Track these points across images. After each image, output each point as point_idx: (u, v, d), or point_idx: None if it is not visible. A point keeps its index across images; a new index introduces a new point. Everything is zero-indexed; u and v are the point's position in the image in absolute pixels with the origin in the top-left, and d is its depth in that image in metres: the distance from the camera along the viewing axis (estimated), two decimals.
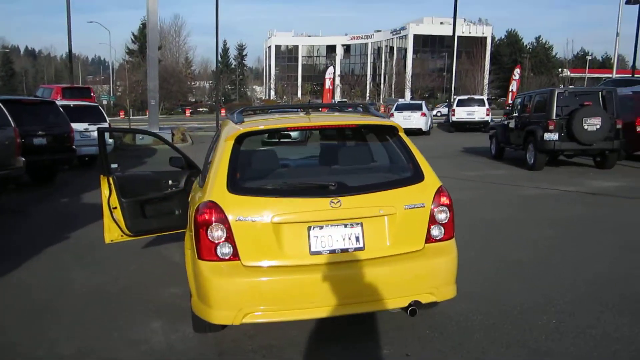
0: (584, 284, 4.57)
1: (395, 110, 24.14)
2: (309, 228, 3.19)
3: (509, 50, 67.60)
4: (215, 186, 3.25)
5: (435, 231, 3.38)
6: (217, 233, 3.15)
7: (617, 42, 30.65)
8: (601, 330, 3.66)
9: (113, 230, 5.30)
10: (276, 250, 3.18)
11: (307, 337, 3.62)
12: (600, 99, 11.59)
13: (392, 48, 72.06)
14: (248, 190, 3.29)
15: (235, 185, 3.26)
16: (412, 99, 47.81)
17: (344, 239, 3.23)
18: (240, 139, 3.44)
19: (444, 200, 3.40)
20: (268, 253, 3.18)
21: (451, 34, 67.63)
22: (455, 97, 27.91)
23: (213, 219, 3.16)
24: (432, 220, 3.36)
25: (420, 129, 22.69)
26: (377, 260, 3.24)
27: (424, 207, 3.33)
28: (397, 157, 3.59)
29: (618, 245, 5.82)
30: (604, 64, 74.28)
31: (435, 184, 3.44)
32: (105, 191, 5.20)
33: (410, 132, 3.94)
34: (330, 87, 28.20)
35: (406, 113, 23.06)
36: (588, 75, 59.26)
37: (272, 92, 72.01)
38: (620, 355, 3.34)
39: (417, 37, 67.76)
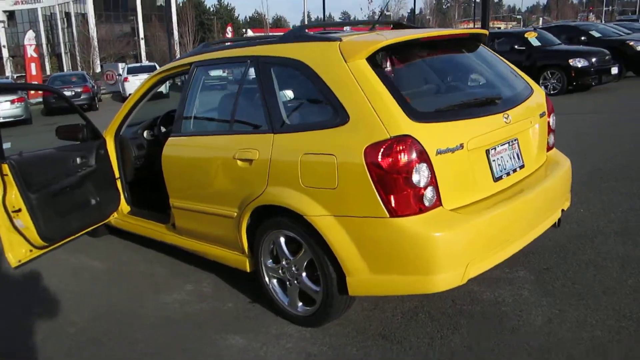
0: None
1: (129, 74, 21.93)
2: (487, 152, 2.62)
3: (194, 13, 68.02)
4: (393, 116, 2.34)
5: (550, 139, 3.20)
6: (421, 176, 2.31)
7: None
8: None
9: (17, 246, 3.41)
10: (469, 184, 2.53)
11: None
12: None
13: (68, 14, 64.10)
14: (433, 116, 2.51)
15: (414, 111, 2.41)
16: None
17: (511, 159, 2.77)
18: (373, 57, 2.53)
19: (551, 107, 3.23)
20: (463, 189, 2.50)
21: None
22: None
23: (415, 157, 2.29)
24: (549, 128, 3.17)
25: (162, 92, 21.21)
26: (536, 176, 2.91)
27: (545, 115, 3.10)
28: (497, 66, 3.19)
29: None
30: (276, 24, 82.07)
31: (542, 91, 3.23)
32: None
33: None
34: (35, 55, 23.36)
35: (141, 76, 21.17)
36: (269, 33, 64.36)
37: None
38: None
39: (97, 1, 61.76)
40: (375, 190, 2.30)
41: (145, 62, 33.73)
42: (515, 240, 2.62)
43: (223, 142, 3.03)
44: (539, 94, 3.16)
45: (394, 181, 2.28)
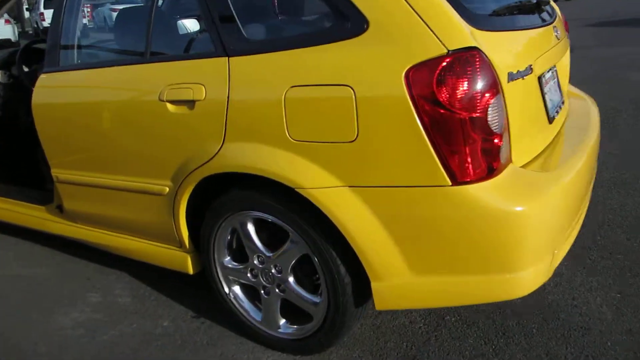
0: None
1: None
2: (540, 80, 1.80)
3: None
4: (448, 19, 1.41)
5: None
6: (497, 115, 1.42)
7: None
8: None
9: None
10: (531, 126, 1.71)
11: None
12: None
13: None
14: (494, 22, 1.61)
15: (472, 14, 1.50)
16: None
17: (555, 91, 2.00)
18: None
19: (567, 27, 2.49)
20: (526, 134, 1.66)
21: None
22: None
23: (490, 83, 1.39)
24: None
25: (9, 40, 18.08)
26: (578, 116, 2.18)
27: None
28: None
29: None
30: None
31: (555, 4, 2.47)
32: None
33: None
34: None
35: None
36: None
37: None
38: None
39: None
40: (427, 142, 1.38)
41: None
42: (583, 206, 1.87)
43: (138, 75, 1.91)
44: (556, 8, 2.40)
45: (460, 125, 1.37)
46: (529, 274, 1.49)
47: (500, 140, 1.44)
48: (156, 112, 1.82)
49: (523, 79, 1.58)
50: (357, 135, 1.45)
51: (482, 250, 1.45)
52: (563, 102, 2.08)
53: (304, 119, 1.52)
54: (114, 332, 2.11)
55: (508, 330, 1.92)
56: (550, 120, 1.85)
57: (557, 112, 1.95)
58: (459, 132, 1.38)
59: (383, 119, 1.42)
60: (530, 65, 1.63)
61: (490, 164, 1.44)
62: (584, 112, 2.25)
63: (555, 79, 2.02)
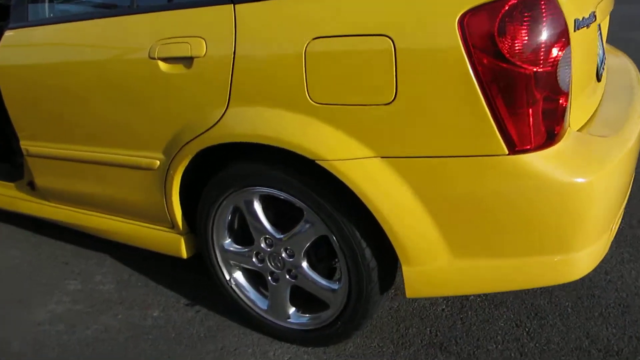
0: None
1: None
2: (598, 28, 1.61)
3: None
4: None
5: None
6: (563, 72, 1.21)
7: None
8: None
9: None
10: (587, 84, 1.51)
11: None
12: None
13: None
14: None
15: None
16: None
17: (600, 45, 1.79)
18: None
19: None
20: (582, 92, 1.46)
21: None
22: None
23: (561, 31, 1.18)
24: None
25: None
26: (620, 74, 1.99)
27: None
28: None
29: None
30: None
31: None
32: None
33: None
34: None
35: None
36: None
37: None
38: None
39: None
40: (483, 102, 1.16)
41: None
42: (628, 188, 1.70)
43: (123, 28, 1.62)
44: None
45: (525, 82, 1.16)
46: (588, 254, 1.30)
47: (566, 100, 1.23)
48: (145, 72, 1.54)
49: (587, 27, 1.36)
50: (395, 96, 1.22)
51: (541, 228, 1.25)
52: (605, 58, 1.90)
53: (329, 77, 1.27)
54: (97, 326, 1.87)
55: (540, 311, 1.76)
56: (599, 77, 1.65)
57: (603, 68, 1.76)
58: (523, 90, 1.16)
59: (429, 76, 1.18)
60: (594, 12, 1.42)
61: (552, 128, 1.22)
62: (623, 68, 2.07)
63: (600, 31, 1.83)
